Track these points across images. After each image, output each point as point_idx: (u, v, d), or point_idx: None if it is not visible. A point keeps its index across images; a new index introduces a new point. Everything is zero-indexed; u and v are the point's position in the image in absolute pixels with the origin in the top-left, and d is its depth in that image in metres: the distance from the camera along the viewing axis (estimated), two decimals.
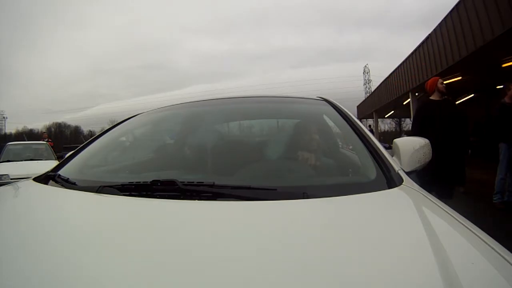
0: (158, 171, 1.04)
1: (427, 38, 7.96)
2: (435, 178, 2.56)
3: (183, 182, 0.75)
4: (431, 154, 0.99)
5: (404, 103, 11.20)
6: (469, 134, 3.39)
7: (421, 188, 0.78)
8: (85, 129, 50.11)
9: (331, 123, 1.26)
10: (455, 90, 8.26)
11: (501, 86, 3.69)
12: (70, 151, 1.36)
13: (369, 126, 17.98)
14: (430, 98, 3.05)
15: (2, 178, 4.94)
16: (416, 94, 9.75)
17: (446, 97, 3.05)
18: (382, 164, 0.85)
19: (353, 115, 1.19)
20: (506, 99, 3.39)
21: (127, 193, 0.77)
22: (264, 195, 0.72)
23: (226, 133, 1.53)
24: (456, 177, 2.89)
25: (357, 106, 21.53)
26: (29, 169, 4.54)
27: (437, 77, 3.12)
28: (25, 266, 0.47)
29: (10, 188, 1.03)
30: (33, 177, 1.08)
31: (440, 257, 0.46)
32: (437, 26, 7.24)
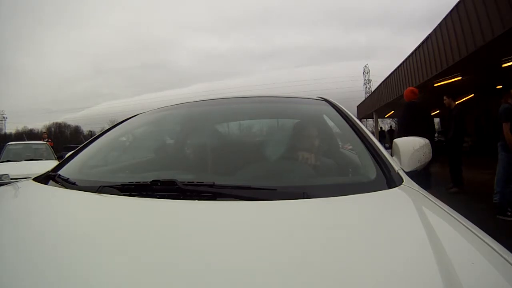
0: (158, 171, 1.04)
1: (427, 38, 7.95)
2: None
3: (183, 182, 0.75)
4: (431, 154, 0.99)
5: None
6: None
7: (421, 188, 0.78)
8: (85, 129, 50.19)
9: (331, 123, 1.26)
10: (455, 90, 8.26)
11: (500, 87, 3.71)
12: (70, 151, 1.36)
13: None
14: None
15: (2, 178, 4.93)
16: None
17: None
18: (382, 164, 0.85)
19: (353, 115, 1.19)
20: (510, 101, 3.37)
21: (127, 193, 0.77)
22: (264, 195, 0.72)
23: (226, 133, 1.53)
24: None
25: (357, 106, 21.53)
26: (29, 169, 4.53)
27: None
28: (25, 266, 0.47)
29: (10, 188, 1.02)
30: (33, 177, 1.08)
31: (440, 257, 0.46)
32: (437, 26, 7.24)
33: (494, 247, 0.50)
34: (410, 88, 3.96)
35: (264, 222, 0.62)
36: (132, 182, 0.80)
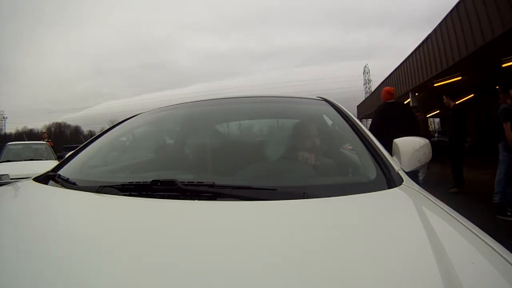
0: (158, 171, 1.04)
1: (427, 38, 7.97)
2: None
3: (183, 182, 0.75)
4: (431, 154, 0.99)
5: (404, 103, 11.19)
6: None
7: (421, 188, 0.78)
8: (85, 129, 50.28)
9: (331, 123, 1.26)
10: (455, 90, 8.28)
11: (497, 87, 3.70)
12: (70, 151, 1.36)
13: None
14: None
15: (2, 178, 4.93)
16: (416, 94, 9.75)
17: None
18: (382, 164, 0.85)
19: (353, 115, 1.19)
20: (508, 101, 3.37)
21: (127, 193, 0.77)
22: (264, 195, 0.72)
23: (226, 133, 1.53)
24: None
25: (357, 106, 21.56)
26: (29, 169, 4.52)
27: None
28: (25, 266, 0.47)
29: (10, 188, 1.02)
30: (33, 177, 1.08)
31: (440, 257, 0.46)
32: (437, 26, 7.25)
33: (494, 247, 0.50)
34: (387, 88, 3.94)
35: (264, 222, 0.61)
36: (132, 182, 0.80)
